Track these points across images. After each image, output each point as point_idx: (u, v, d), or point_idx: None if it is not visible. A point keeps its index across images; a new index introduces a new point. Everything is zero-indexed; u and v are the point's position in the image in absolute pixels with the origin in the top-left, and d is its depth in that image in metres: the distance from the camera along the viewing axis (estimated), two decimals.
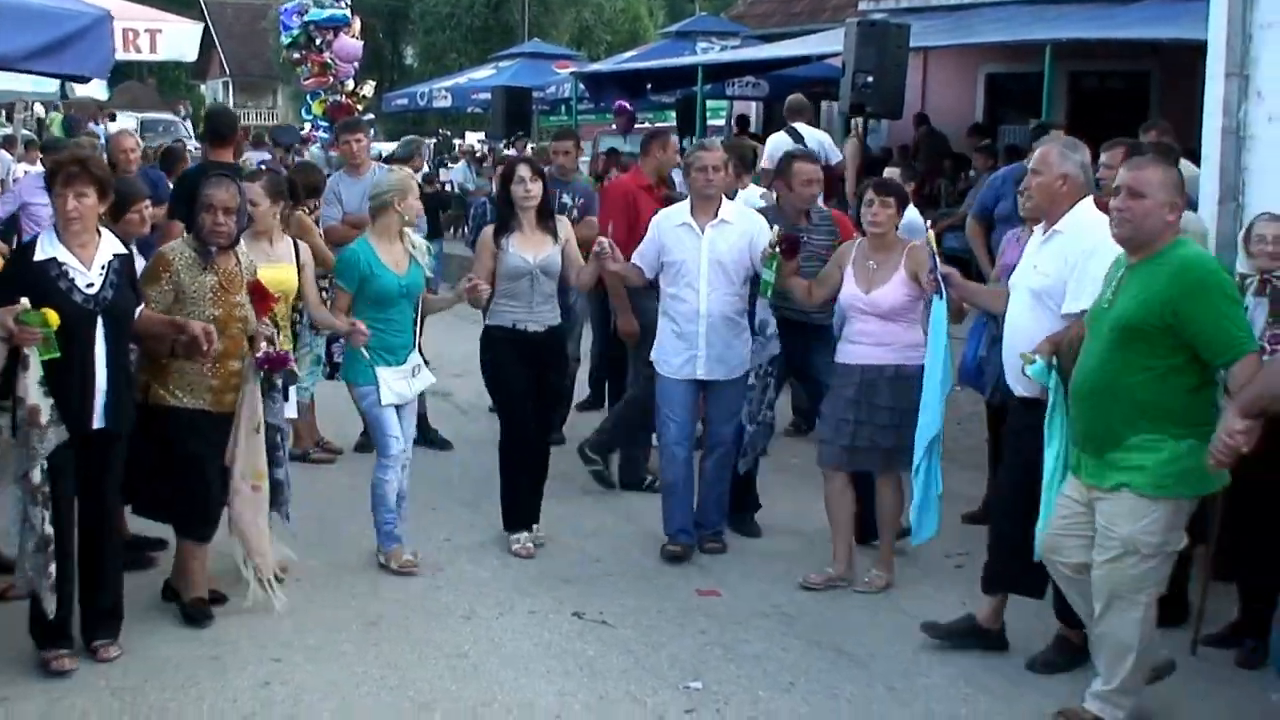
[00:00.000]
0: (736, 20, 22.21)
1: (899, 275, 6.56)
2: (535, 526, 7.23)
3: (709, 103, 19.68)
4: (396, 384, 6.76)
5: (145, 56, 13.10)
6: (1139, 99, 15.36)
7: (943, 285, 6.13)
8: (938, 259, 6.19)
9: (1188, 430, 4.74)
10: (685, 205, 7.14)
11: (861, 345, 6.63)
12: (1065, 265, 5.48)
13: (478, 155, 23.94)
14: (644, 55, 21.67)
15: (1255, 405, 4.46)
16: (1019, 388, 5.63)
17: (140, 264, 6.05)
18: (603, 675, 5.63)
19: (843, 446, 6.65)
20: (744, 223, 7.07)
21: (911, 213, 7.73)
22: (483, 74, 24.55)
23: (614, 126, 21.09)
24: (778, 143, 12.12)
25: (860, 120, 12.66)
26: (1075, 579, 5.18)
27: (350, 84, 19.46)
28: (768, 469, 7.67)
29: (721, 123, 23.73)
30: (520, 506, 7.22)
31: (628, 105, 19.72)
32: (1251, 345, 4.77)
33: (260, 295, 6.17)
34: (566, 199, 9.51)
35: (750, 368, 7.05)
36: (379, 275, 6.70)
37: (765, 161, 12.07)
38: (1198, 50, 8.90)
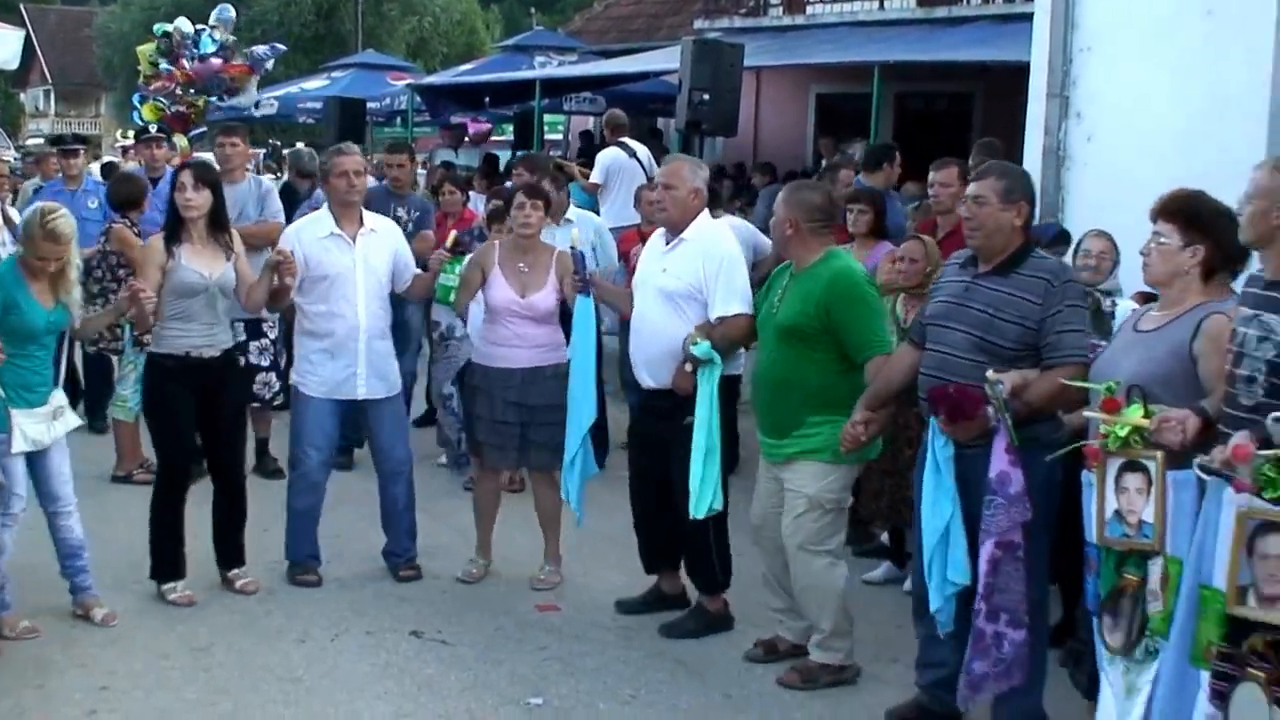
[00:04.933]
0: (573, 35, 22.29)
1: (551, 279, 6.79)
2: (239, 569, 6.79)
3: (546, 117, 19.69)
4: (33, 429, 5.98)
5: None
6: (963, 119, 15.78)
7: (588, 285, 6.54)
8: (585, 260, 6.65)
9: (851, 409, 5.49)
10: (325, 215, 6.87)
11: (520, 349, 6.80)
12: (701, 271, 6.08)
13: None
14: (481, 69, 21.58)
15: (874, 401, 5.42)
16: (647, 380, 6.29)
17: None
18: (442, 694, 5.59)
19: (513, 449, 6.86)
20: (387, 230, 7.02)
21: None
22: (314, 84, 24.11)
23: (443, 140, 21.05)
24: (610, 158, 12.21)
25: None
26: (777, 552, 5.87)
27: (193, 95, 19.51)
28: (607, 482, 7.68)
29: (559, 137, 23.77)
30: (178, 553, 6.61)
31: (476, 121, 19.73)
32: (884, 348, 5.60)
33: None
34: (401, 213, 9.41)
35: (447, 376, 7.04)
36: (24, 307, 5.89)
37: (597, 176, 12.17)
38: (1020, 72, 9.20)
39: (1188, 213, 4.57)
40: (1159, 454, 4.19)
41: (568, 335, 6.82)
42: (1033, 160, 8.79)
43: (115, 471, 8.73)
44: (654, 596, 6.61)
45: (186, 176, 6.51)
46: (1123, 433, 4.25)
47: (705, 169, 6.43)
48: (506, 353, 6.82)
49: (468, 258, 7.23)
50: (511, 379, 6.80)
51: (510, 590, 6.88)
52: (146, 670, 5.75)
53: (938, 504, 4.98)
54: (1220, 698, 3.94)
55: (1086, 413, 4.49)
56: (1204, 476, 4.00)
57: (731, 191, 15.40)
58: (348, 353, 6.75)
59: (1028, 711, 5.05)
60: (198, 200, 6.46)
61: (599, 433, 9.11)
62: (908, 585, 6.38)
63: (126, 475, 8.55)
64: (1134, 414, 4.24)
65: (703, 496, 5.97)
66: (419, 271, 7.10)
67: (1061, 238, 7.27)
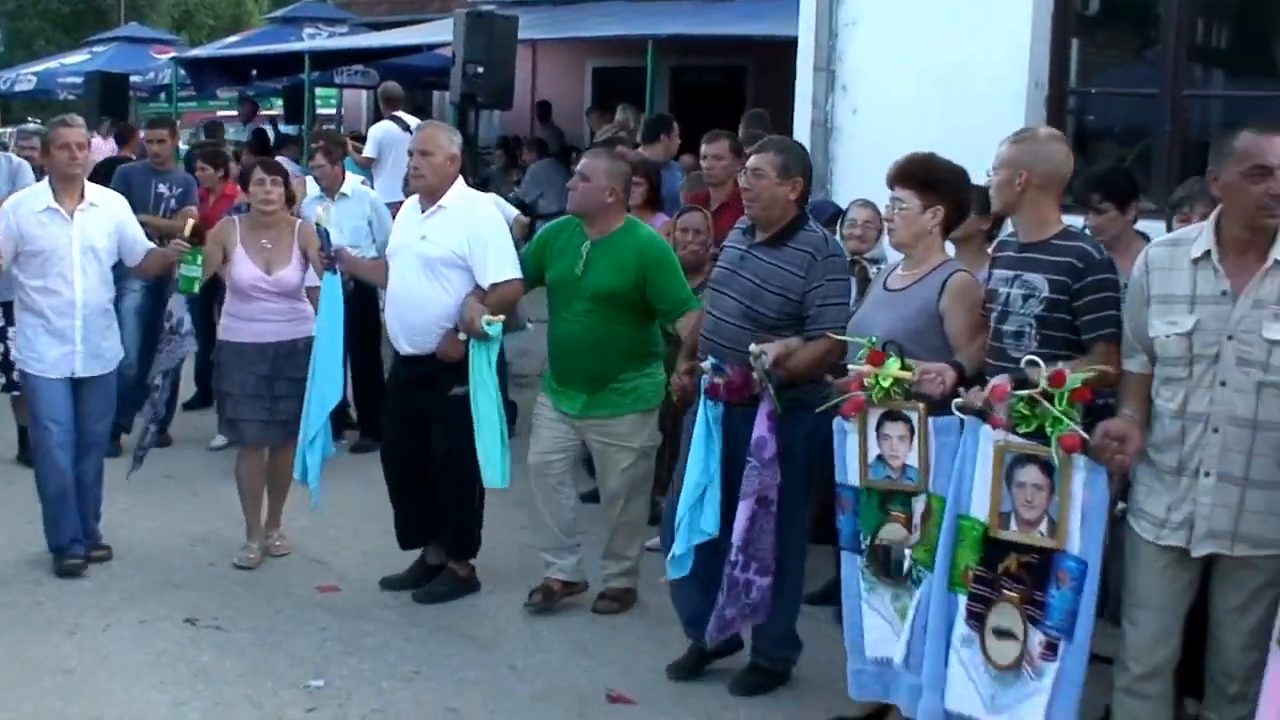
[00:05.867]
0: (343, 7, 21.87)
1: (296, 253, 6.81)
2: None
3: (318, 90, 19.31)
4: None
5: None
6: (736, 93, 15.99)
7: (334, 262, 6.49)
8: (330, 238, 6.63)
9: (654, 358, 6.15)
10: (44, 188, 6.65)
11: (269, 323, 6.77)
12: (465, 240, 6.18)
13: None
14: (249, 41, 21.04)
15: (691, 352, 5.69)
16: (406, 347, 6.33)
17: None
18: (219, 681, 5.47)
19: (263, 423, 6.83)
20: (111, 204, 6.84)
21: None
22: (76, 59, 23.15)
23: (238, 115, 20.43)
24: (382, 131, 12.08)
25: None
26: (560, 490, 6.25)
27: None
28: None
29: (332, 111, 23.32)
30: None
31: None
32: (694, 304, 5.93)
33: None
34: (163, 189, 9.24)
35: (164, 368, 6.91)
36: None
37: (370, 150, 12.03)
38: (789, 46, 9.37)
39: (922, 176, 4.92)
40: (921, 406, 4.54)
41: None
42: (801, 133, 8.97)
43: None
44: (420, 570, 6.62)
45: None
46: (886, 384, 4.59)
47: (459, 135, 6.50)
48: (257, 328, 6.76)
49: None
50: (264, 353, 6.75)
51: (287, 573, 6.77)
52: None
53: (705, 462, 5.26)
54: (976, 618, 4.32)
55: (851, 366, 4.76)
56: (962, 416, 4.33)
57: (504, 162, 15.35)
58: (65, 330, 6.53)
59: (782, 638, 5.47)
60: None
61: (375, 410, 9.05)
62: None
63: None
64: (893, 367, 4.58)
65: (500, 467, 6.15)
66: (153, 246, 6.92)
67: (836, 219, 7.44)
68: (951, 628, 4.42)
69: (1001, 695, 4.28)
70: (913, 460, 4.60)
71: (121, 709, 5.21)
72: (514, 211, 9.38)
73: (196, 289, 6.67)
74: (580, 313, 6.03)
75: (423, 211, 6.29)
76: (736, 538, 5.08)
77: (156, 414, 6.92)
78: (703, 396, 5.31)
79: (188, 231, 6.61)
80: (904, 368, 4.57)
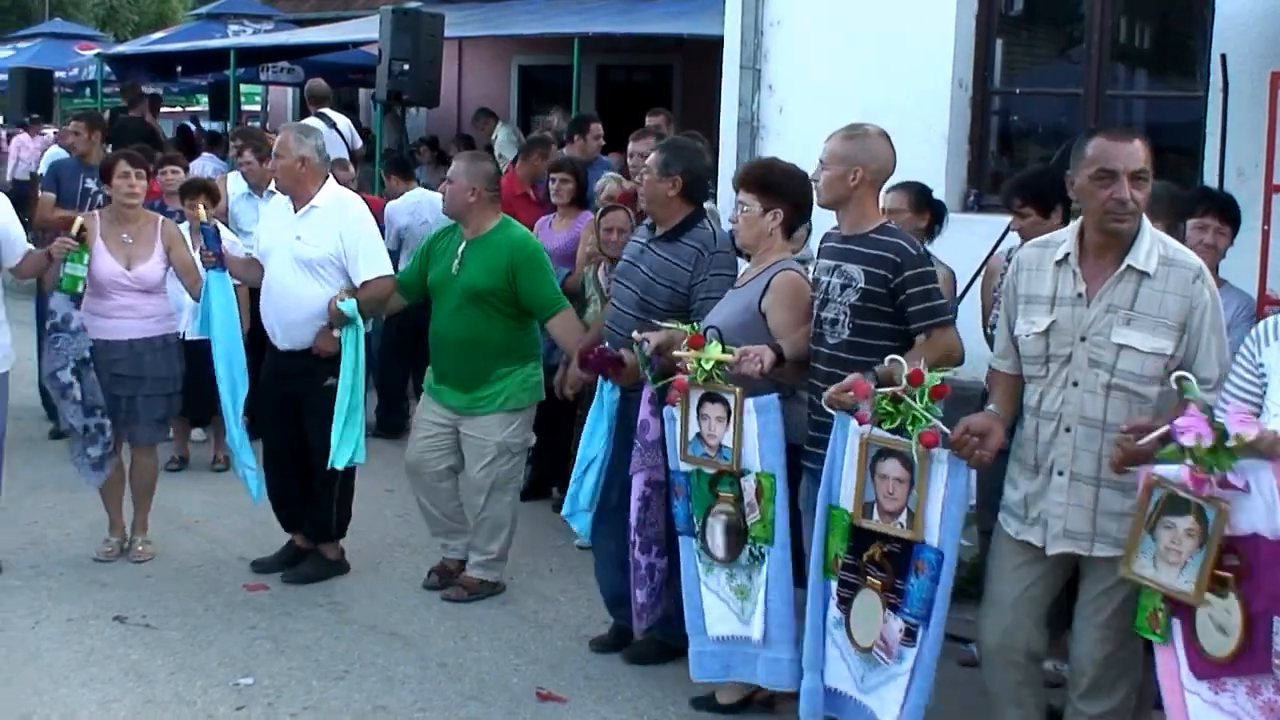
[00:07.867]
0: (269, 3, 21.70)
1: (159, 250, 6.78)
2: None
3: (243, 87, 19.18)
4: None
5: None
6: (663, 91, 16.05)
7: (221, 260, 6.53)
8: (222, 235, 6.64)
9: (529, 357, 6.33)
10: None
11: (128, 320, 6.71)
12: (339, 240, 6.36)
13: None
14: (174, 37, 20.86)
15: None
16: (284, 343, 6.49)
17: None
18: (149, 679, 5.45)
19: (119, 423, 6.72)
20: None
21: None
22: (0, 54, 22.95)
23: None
24: None
25: None
26: (438, 486, 6.43)
27: None
28: None
29: (257, 108, 23.15)
30: None
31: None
32: (564, 304, 6.27)
33: None
34: (90, 183, 9.30)
35: (56, 367, 6.75)
36: None
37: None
38: (716, 44, 9.45)
39: (763, 181, 5.17)
40: (738, 389, 4.78)
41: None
42: (729, 131, 9.06)
43: None
44: (290, 553, 6.77)
45: None
46: (707, 366, 4.83)
47: (315, 136, 6.61)
48: (114, 324, 6.69)
49: None
50: (119, 350, 6.69)
51: (216, 571, 6.75)
52: None
53: (593, 439, 5.56)
54: (844, 603, 4.53)
55: (675, 351, 4.98)
56: (832, 410, 4.49)
57: (434, 158, 15.31)
58: None
59: (673, 615, 5.45)
60: None
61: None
62: None
63: None
64: (714, 351, 4.82)
65: (342, 450, 6.35)
66: (31, 248, 6.81)
67: None
68: (826, 611, 4.61)
69: (870, 676, 4.50)
70: (728, 441, 4.86)
71: (50, 707, 5.18)
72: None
73: (80, 288, 6.57)
74: (454, 310, 6.22)
75: (295, 211, 6.41)
76: (633, 518, 5.28)
77: (84, 408, 6.68)
78: (600, 379, 5.56)
79: (74, 231, 6.52)
80: (725, 351, 4.81)
